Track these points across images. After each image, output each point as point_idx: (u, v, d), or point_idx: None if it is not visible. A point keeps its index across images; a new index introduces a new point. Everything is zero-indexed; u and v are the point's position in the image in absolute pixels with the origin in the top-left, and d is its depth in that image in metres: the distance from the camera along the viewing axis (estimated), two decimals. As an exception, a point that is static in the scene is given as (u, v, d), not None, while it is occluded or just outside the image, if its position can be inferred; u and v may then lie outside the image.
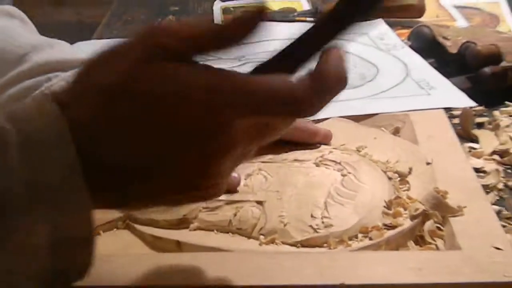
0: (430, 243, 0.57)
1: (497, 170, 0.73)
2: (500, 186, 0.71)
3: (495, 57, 0.91)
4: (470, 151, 0.78)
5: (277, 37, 1.11)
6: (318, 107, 0.42)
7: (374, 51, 0.99)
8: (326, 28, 0.44)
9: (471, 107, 0.82)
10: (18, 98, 0.68)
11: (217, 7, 1.29)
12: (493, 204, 0.69)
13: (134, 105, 0.40)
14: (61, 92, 0.42)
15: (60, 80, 0.67)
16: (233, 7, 1.28)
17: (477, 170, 0.74)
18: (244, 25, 0.41)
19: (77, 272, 0.42)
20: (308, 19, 1.21)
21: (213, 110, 0.40)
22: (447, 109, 0.82)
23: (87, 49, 0.98)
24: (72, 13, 3.33)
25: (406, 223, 0.58)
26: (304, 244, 0.57)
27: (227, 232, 0.59)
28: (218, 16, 1.25)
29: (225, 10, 1.27)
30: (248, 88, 0.40)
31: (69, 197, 0.39)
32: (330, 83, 0.42)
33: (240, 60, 0.97)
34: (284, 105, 0.41)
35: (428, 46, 0.99)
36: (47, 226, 0.39)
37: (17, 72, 0.69)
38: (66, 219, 0.39)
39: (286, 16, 1.23)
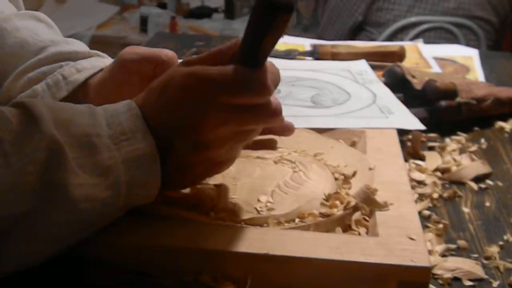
0: (354, 230, 0.55)
1: (434, 182, 0.71)
2: (435, 196, 0.69)
3: (451, 92, 0.89)
4: (416, 166, 0.75)
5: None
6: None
7: (351, 83, 0.97)
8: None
9: (420, 130, 0.80)
10: (36, 80, 0.69)
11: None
12: (426, 209, 0.67)
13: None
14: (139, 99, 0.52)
15: (70, 67, 0.68)
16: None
17: (419, 182, 0.72)
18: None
19: (147, 191, 0.50)
20: (306, 58, 1.21)
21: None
22: (403, 132, 0.80)
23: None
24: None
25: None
26: (248, 222, 0.55)
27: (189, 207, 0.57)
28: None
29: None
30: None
31: (135, 134, 0.48)
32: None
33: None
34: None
35: (399, 83, 0.97)
36: (121, 153, 0.48)
37: (36, 60, 0.70)
38: (135, 144, 0.48)
39: (288, 54, 1.22)
